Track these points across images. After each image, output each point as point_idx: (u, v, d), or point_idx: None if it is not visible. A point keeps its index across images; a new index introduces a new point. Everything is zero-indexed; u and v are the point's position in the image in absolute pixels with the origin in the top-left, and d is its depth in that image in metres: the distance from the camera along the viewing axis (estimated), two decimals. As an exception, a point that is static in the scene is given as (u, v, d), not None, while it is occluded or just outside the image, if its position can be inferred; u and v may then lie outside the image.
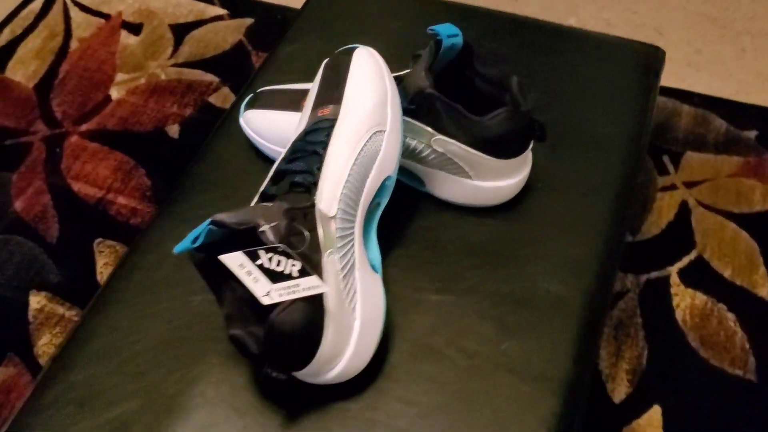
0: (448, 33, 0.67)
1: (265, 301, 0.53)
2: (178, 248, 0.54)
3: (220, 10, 1.57)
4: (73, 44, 1.51)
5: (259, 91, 0.80)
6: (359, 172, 0.61)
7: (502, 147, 0.67)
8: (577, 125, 0.80)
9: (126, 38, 1.52)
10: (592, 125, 0.80)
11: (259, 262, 0.53)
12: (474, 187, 0.70)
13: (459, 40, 0.67)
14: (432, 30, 0.67)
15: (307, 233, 0.55)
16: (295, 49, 0.90)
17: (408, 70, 0.69)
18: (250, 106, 0.78)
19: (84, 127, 1.37)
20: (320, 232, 0.57)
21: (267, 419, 0.61)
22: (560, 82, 0.84)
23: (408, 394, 0.62)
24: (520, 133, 0.67)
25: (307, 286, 0.53)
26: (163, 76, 1.45)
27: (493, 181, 0.70)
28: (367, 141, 0.62)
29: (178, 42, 1.51)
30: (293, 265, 0.53)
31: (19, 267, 1.17)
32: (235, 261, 0.53)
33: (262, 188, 0.61)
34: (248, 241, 0.55)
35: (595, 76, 0.85)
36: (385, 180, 0.64)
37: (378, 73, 0.65)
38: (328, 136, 0.61)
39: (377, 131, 0.63)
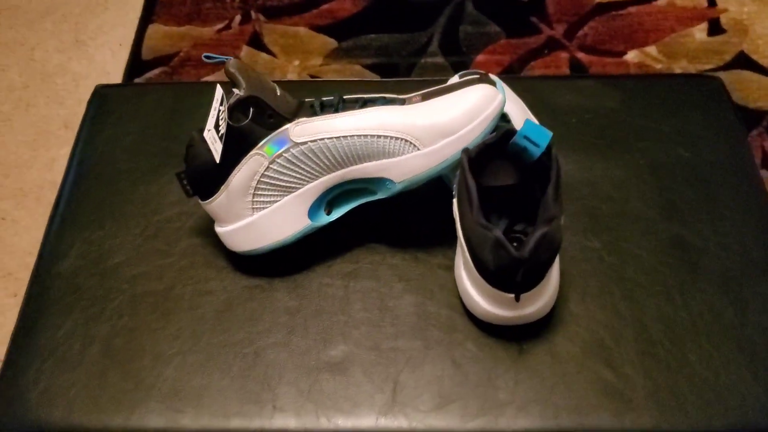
0: (535, 137, 0.58)
1: (204, 132, 0.64)
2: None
3: None
4: None
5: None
6: (362, 147, 0.61)
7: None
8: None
9: None
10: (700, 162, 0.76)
11: (221, 108, 0.61)
12: None
13: (536, 151, 0.59)
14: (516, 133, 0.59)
15: (247, 123, 0.61)
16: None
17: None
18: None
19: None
20: (264, 143, 0.61)
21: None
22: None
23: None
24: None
25: (215, 149, 0.62)
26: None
27: None
28: (397, 138, 0.61)
29: None
30: (221, 128, 0.62)
31: None
32: (218, 93, 0.63)
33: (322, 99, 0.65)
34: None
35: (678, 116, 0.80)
36: (386, 180, 0.62)
37: (481, 107, 0.62)
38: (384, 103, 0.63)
39: (411, 142, 0.61)
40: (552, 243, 0.57)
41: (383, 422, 0.59)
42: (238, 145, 0.61)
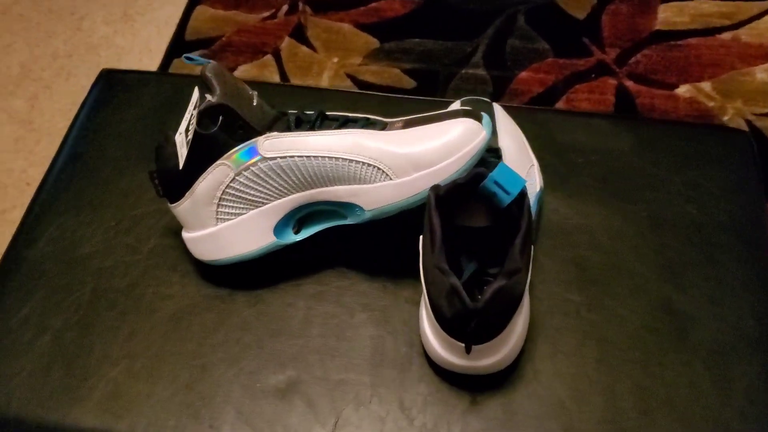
0: (506, 184, 0.54)
1: (176, 135, 0.63)
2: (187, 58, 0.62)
3: None
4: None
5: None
6: (332, 169, 0.59)
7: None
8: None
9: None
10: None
11: (194, 110, 0.59)
12: None
13: (506, 198, 0.55)
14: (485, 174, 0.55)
15: (215, 131, 0.59)
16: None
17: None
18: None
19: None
20: (230, 154, 0.59)
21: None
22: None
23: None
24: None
25: (181, 154, 0.61)
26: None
27: None
28: (369, 165, 0.58)
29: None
30: (189, 133, 0.60)
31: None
32: (194, 96, 0.60)
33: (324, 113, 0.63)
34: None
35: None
36: (356, 206, 0.60)
37: (461, 143, 0.59)
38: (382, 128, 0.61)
39: (383, 171, 0.58)
40: (511, 297, 0.53)
41: (317, 458, 0.57)
42: (204, 152, 0.59)
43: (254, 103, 0.60)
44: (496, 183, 0.53)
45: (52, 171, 0.75)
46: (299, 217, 0.62)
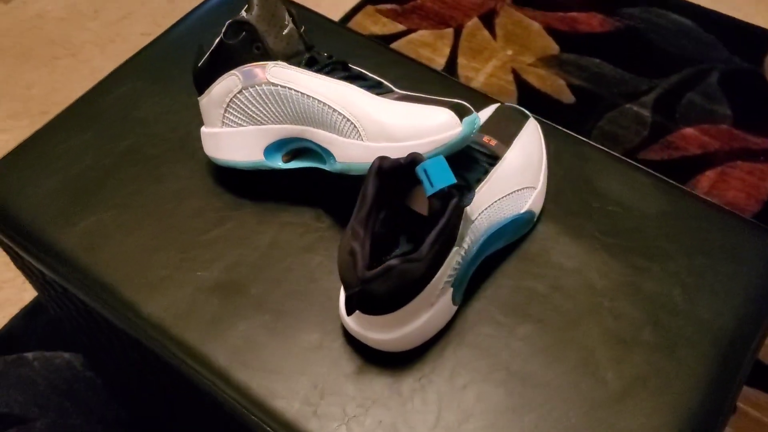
0: (433, 176, 0.55)
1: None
2: None
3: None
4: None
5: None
6: (318, 113, 0.63)
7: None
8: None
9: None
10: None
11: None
12: None
13: (429, 189, 0.55)
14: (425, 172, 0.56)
15: (234, 43, 0.64)
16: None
17: None
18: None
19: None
20: (243, 68, 0.65)
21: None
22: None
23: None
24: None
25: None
26: None
27: None
28: (347, 119, 0.62)
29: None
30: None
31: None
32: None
33: None
34: None
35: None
36: (331, 154, 0.64)
37: (433, 129, 0.61)
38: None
39: (357, 129, 0.62)
40: (401, 280, 0.54)
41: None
42: (221, 59, 0.65)
43: (284, 32, 0.65)
44: (425, 172, 0.54)
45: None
46: (291, 149, 0.67)
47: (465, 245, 0.59)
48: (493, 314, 0.64)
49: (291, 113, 0.64)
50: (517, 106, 0.72)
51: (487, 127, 0.69)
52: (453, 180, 0.54)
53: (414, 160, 0.56)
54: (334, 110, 0.61)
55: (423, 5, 1.53)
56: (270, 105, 0.65)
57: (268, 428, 0.59)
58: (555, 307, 0.64)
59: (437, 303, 0.59)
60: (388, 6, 1.53)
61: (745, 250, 0.68)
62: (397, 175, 0.58)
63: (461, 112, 0.60)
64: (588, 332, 0.63)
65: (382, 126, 0.60)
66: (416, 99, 0.62)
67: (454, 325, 0.63)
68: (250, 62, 0.65)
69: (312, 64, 0.65)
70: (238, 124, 0.67)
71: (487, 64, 1.43)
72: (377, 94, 0.63)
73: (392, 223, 0.60)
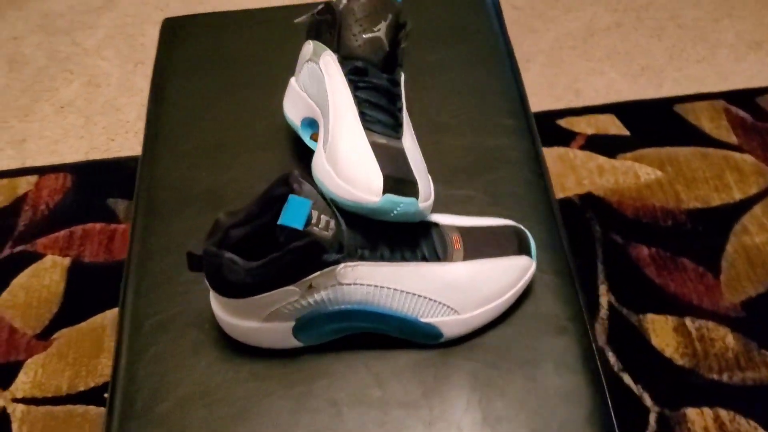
0: (290, 213, 0.58)
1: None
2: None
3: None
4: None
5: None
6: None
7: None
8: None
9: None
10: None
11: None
12: None
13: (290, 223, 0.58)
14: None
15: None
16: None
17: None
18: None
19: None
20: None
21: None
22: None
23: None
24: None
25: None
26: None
27: None
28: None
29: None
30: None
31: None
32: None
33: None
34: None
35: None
36: None
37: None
38: None
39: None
40: (222, 269, 0.61)
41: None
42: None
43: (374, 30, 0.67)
44: (288, 202, 0.59)
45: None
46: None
47: (317, 296, 0.63)
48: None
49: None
50: (528, 237, 0.72)
51: (473, 233, 0.70)
52: (299, 226, 0.58)
53: (287, 180, 0.61)
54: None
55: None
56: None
57: None
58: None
59: (271, 322, 0.65)
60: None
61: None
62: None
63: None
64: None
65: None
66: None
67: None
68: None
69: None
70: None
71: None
72: (391, 137, 0.67)
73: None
